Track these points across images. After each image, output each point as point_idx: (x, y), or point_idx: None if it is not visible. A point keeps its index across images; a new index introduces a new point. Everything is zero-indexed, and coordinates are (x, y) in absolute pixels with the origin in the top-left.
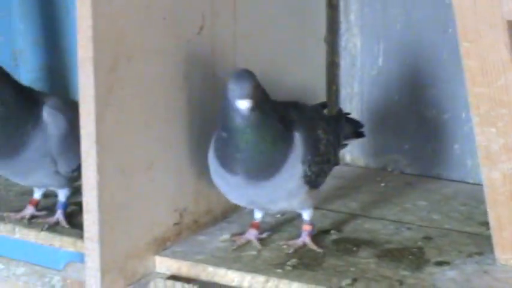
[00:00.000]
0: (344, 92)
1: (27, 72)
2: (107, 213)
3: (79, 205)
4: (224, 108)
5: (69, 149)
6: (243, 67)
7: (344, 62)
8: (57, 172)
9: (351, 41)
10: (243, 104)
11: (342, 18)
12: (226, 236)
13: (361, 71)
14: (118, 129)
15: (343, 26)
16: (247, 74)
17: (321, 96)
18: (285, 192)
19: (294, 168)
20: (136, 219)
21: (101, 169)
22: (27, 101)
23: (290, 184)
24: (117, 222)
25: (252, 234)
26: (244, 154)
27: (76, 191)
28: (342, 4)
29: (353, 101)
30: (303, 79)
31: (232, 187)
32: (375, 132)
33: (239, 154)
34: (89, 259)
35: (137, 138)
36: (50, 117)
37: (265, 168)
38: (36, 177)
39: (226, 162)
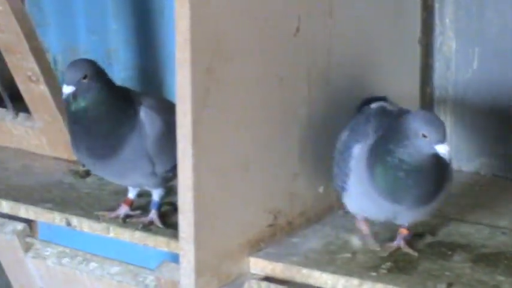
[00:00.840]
0: (438, 94)
1: (120, 71)
2: (202, 213)
3: (172, 205)
4: (409, 145)
5: (165, 149)
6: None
7: (438, 64)
8: (153, 172)
9: (446, 43)
10: (443, 149)
11: (437, 20)
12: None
13: (455, 74)
14: (214, 130)
15: (437, 29)
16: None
17: (414, 98)
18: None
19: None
20: (230, 220)
21: (196, 170)
22: (125, 101)
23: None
24: (212, 223)
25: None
26: (417, 190)
27: (169, 190)
28: (437, 6)
29: (447, 104)
30: (397, 80)
31: (382, 210)
32: (468, 135)
33: (414, 190)
34: (183, 259)
35: (233, 139)
36: (147, 118)
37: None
38: (133, 178)
39: (391, 192)
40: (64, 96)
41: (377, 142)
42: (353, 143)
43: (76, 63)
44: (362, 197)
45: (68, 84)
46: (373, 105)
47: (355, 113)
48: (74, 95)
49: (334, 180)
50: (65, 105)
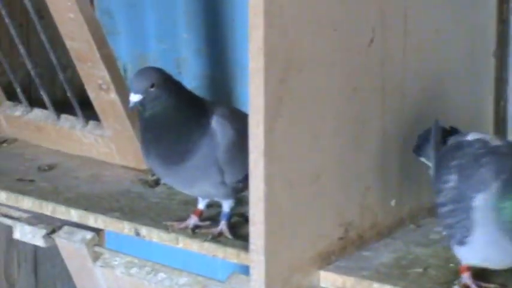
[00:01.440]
0: None
1: (190, 80)
2: (273, 225)
3: (243, 216)
4: None
5: (235, 159)
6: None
7: None
8: (223, 182)
9: None
10: None
11: None
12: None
13: None
14: (286, 141)
15: None
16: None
17: (489, 112)
18: None
19: None
20: (301, 232)
21: (268, 180)
22: (196, 109)
23: None
24: (282, 235)
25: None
26: None
27: (239, 201)
28: None
29: None
30: (471, 94)
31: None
32: None
33: None
34: (254, 271)
35: (305, 149)
36: (219, 126)
37: None
38: (202, 187)
39: None
40: (131, 105)
41: (504, 188)
42: (472, 192)
43: (143, 72)
44: (488, 247)
45: (136, 92)
46: (469, 138)
47: (434, 142)
48: (142, 104)
49: (446, 230)
50: (137, 113)
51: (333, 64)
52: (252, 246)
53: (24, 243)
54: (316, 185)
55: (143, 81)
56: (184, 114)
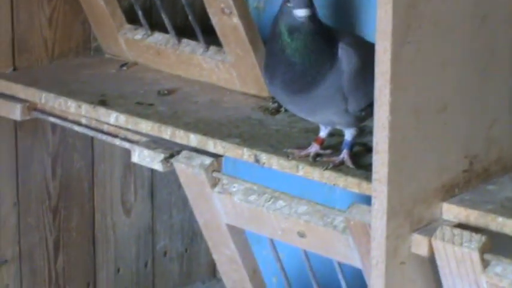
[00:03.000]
0: None
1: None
2: (396, 154)
3: (365, 146)
4: None
5: (360, 87)
6: None
7: None
8: (346, 110)
9: None
10: None
11: None
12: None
13: None
14: (413, 68)
15: None
16: None
17: None
18: None
19: None
20: (425, 163)
21: (393, 109)
22: (325, 37)
23: None
24: (406, 165)
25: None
26: None
27: (362, 131)
28: None
29: None
30: None
31: None
32: None
33: None
34: (376, 201)
35: (432, 78)
36: (344, 54)
37: None
38: (325, 115)
39: None
40: (302, 20)
41: None
42: None
43: None
44: None
45: (305, 7)
46: None
47: None
48: (312, 17)
49: None
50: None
51: None
52: (374, 176)
53: (141, 169)
54: (443, 115)
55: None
56: (318, 42)
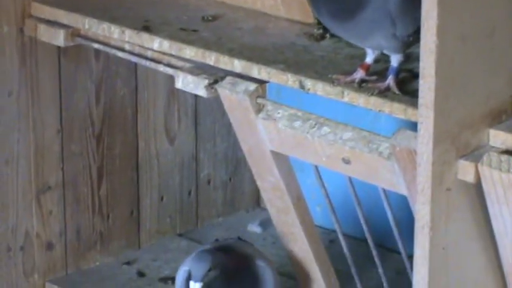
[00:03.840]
0: None
1: None
2: (444, 79)
3: (410, 72)
4: None
5: (407, 11)
6: None
7: None
8: (394, 35)
9: None
10: None
11: None
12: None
13: None
14: None
15: None
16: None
17: None
18: None
19: None
20: (472, 88)
21: (440, 33)
22: None
23: None
24: (452, 90)
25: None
26: None
27: (408, 57)
28: None
29: None
30: None
31: None
32: None
33: None
34: (422, 127)
35: (480, 2)
36: None
37: None
38: (374, 39)
39: None
40: None
41: None
42: None
43: None
44: None
45: None
46: None
47: None
48: None
49: None
50: None
51: None
52: (421, 101)
53: (185, 97)
54: (490, 40)
55: None
56: None
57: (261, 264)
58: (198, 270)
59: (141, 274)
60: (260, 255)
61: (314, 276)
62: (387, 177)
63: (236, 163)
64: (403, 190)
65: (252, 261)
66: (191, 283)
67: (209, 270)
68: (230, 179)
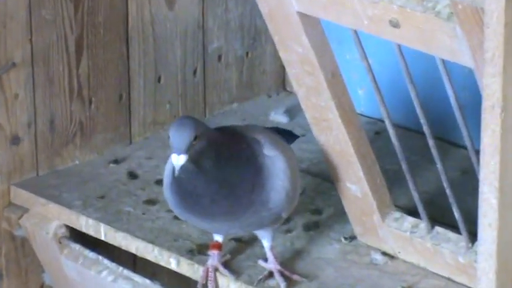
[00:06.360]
0: None
1: None
2: None
3: None
4: None
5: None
6: None
7: None
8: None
9: None
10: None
11: None
12: None
13: None
14: None
15: None
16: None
17: None
18: None
19: None
20: None
21: None
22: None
23: None
24: None
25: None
26: None
27: None
28: None
29: None
30: None
31: None
32: None
33: None
34: None
35: None
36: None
37: None
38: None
39: None
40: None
41: None
42: None
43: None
44: None
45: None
46: None
47: None
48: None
49: None
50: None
51: None
52: None
53: None
54: None
55: None
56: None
57: (269, 154)
58: (180, 139)
59: (132, 175)
60: (272, 144)
61: (354, 176)
62: (446, 44)
63: (255, 33)
64: (467, 60)
65: (259, 150)
66: (173, 156)
67: (195, 138)
68: (247, 54)
